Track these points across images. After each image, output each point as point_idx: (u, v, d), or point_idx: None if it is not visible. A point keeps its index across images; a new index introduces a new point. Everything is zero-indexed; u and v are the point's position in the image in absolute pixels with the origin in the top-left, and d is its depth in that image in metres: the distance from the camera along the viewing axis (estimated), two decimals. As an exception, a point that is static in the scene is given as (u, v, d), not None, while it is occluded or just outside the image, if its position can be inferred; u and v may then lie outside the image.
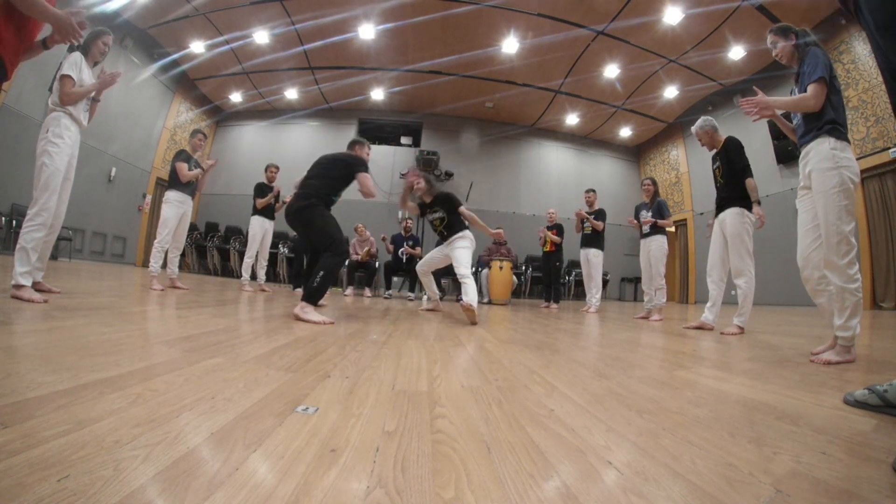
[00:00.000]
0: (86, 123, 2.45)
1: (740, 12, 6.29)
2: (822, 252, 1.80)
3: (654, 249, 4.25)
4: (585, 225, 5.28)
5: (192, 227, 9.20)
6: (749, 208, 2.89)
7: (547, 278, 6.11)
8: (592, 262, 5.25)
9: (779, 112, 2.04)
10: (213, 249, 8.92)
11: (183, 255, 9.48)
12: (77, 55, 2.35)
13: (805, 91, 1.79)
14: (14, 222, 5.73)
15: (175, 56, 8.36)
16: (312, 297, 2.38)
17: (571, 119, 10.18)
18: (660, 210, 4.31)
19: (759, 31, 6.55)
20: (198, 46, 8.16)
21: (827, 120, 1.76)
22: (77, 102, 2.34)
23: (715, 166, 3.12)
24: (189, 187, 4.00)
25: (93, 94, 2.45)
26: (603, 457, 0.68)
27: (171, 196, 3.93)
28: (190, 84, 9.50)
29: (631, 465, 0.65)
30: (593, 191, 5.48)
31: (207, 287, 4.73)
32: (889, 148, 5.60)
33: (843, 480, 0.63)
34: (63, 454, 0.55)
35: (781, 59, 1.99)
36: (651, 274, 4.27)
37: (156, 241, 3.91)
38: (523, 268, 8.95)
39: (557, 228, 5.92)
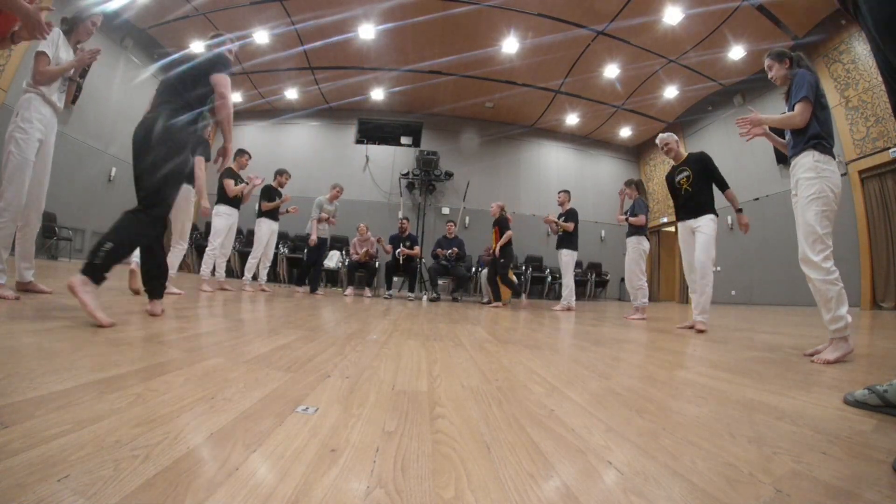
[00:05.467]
0: (61, 105, 2.28)
1: (740, 12, 6.29)
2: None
3: (629, 250, 4.46)
4: (557, 227, 5.35)
5: (193, 228, 9.19)
6: (716, 215, 3.14)
7: (493, 277, 5.83)
8: (563, 261, 5.32)
9: (769, 129, 2.20)
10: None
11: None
12: (56, 31, 2.17)
13: (793, 109, 1.95)
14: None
15: (175, 56, 8.33)
16: (95, 269, 1.60)
17: (571, 119, 10.17)
18: (632, 209, 4.45)
19: (759, 31, 6.55)
20: (198, 46, 8.15)
21: (811, 135, 1.92)
22: (51, 82, 2.17)
23: (684, 175, 3.24)
24: (236, 200, 4.47)
25: (70, 73, 2.26)
26: (603, 457, 0.68)
27: (222, 209, 4.37)
28: (190, 84, 9.49)
29: (631, 465, 0.65)
30: (565, 191, 5.54)
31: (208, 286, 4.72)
32: (889, 148, 5.59)
33: (843, 480, 0.63)
34: (63, 454, 0.55)
35: (776, 82, 2.18)
36: (629, 273, 4.42)
37: (208, 248, 4.34)
38: (523, 268, 8.95)
39: (500, 223, 5.70)
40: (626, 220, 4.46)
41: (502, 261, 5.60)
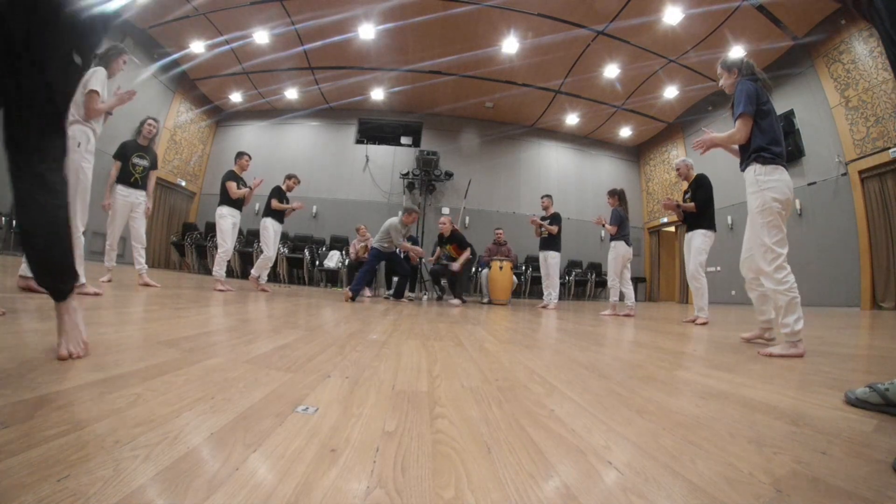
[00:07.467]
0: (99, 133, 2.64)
1: (740, 12, 6.29)
2: (754, 259, 2.05)
3: (609, 254, 4.86)
4: (542, 230, 5.60)
5: (192, 227, 9.20)
6: (711, 229, 3.69)
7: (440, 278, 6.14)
8: (550, 262, 5.58)
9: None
10: (212, 249, 8.91)
11: (182, 254, 9.41)
12: (102, 71, 2.49)
13: (735, 124, 2.02)
14: (14, 222, 5.73)
15: (175, 56, 8.35)
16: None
17: (571, 119, 10.17)
18: (610, 218, 4.87)
19: (759, 31, 6.55)
20: (198, 46, 8.15)
21: (753, 149, 1.99)
22: (99, 117, 2.53)
23: (687, 196, 3.88)
24: (238, 202, 4.61)
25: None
26: (603, 457, 0.68)
27: (225, 211, 4.54)
28: (190, 84, 9.49)
29: (631, 465, 0.65)
30: (548, 196, 5.90)
31: (208, 286, 4.72)
32: (889, 148, 5.59)
33: (843, 480, 0.63)
34: (63, 454, 0.55)
35: (726, 91, 2.23)
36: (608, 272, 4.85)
37: (219, 251, 4.53)
38: (523, 268, 8.95)
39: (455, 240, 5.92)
40: (603, 224, 4.92)
41: (456, 277, 5.77)
